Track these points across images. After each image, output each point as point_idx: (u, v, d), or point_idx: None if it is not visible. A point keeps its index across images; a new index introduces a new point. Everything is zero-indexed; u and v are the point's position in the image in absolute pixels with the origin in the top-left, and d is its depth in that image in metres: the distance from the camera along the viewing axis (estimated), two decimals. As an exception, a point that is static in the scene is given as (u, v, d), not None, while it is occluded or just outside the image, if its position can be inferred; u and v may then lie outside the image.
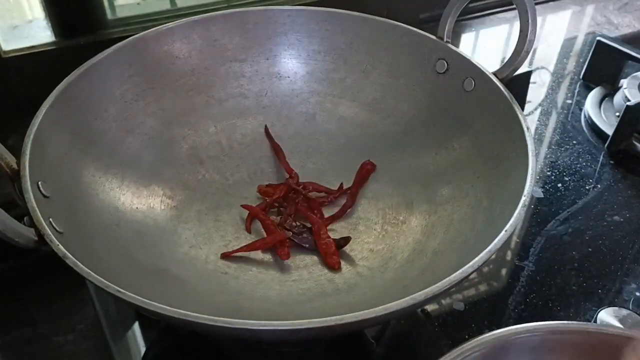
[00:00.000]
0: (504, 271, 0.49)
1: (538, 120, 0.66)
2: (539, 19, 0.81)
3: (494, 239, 0.33)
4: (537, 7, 0.43)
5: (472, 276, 0.49)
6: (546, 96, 0.69)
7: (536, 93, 0.69)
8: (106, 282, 0.30)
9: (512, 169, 0.40)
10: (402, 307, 0.29)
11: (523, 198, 0.35)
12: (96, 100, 0.45)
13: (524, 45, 0.42)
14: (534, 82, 0.71)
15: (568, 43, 0.79)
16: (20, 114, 0.40)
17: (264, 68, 0.53)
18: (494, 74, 0.45)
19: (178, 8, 0.65)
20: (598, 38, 0.67)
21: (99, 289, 0.47)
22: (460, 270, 0.31)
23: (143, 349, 0.44)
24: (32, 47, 0.59)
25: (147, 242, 0.42)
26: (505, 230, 0.33)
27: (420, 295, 0.30)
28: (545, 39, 0.79)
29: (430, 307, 0.46)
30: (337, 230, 0.46)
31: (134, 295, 0.29)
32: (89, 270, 0.30)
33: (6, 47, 0.57)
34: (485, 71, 0.45)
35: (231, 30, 0.51)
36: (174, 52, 0.50)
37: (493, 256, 0.45)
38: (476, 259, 0.32)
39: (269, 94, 0.53)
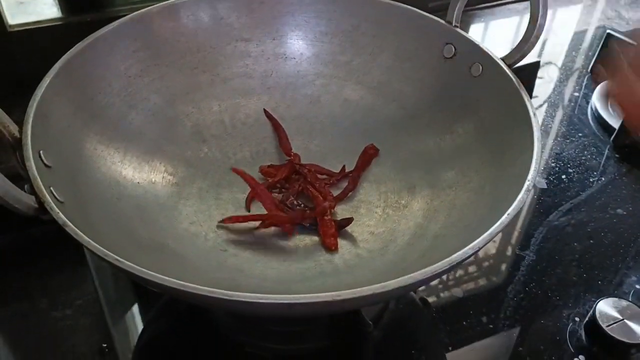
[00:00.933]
0: (504, 260, 0.49)
1: (545, 112, 0.65)
2: (549, 12, 0.80)
3: (496, 222, 0.33)
4: (547, 0, 0.42)
5: (472, 265, 0.49)
6: (554, 89, 0.69)
7: (544, 86, 0.69)
8: (105, 250, 0.30)
9: (517, 155, 0.39)
10: (401, 285, 0.29)
11: (527, 182, 0.35)
12: (100, 74, 0.44)
13: (533, 30, 0.42)
14: (541, 78, 0.70)
15: (578, 37, 0.78)
16: (24, 89, 0.40)
17: (269, 48, 0.52)
18: (502, 59, 0.44)
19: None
20: (608, 31, 0.66)
21: (98, 263, 0.47)
22: (461, 251, 0.31)
23: (141, 324, 0.44)
24: (38, 21, 0.58)
25: (148, 217, 0.42)
26: (508, 214, 0.33)
27: (419, 274, 0.29)
28: (555, 33, 0.79)
29: (429, 294, 0.46)
30: (338, 213, 0.46)
31: (133, 264, 0.29)
32: (88, 239, 0.30)
33: (12, 21, 0.57)
34: (493, 56, 0.45)
35: (238, 9, 0.50)
36: (179, 28, 0.49)
37: (495, 239, 0.44)
38: (477, 240, 0.31)
39: (274, 75, 0.53)
